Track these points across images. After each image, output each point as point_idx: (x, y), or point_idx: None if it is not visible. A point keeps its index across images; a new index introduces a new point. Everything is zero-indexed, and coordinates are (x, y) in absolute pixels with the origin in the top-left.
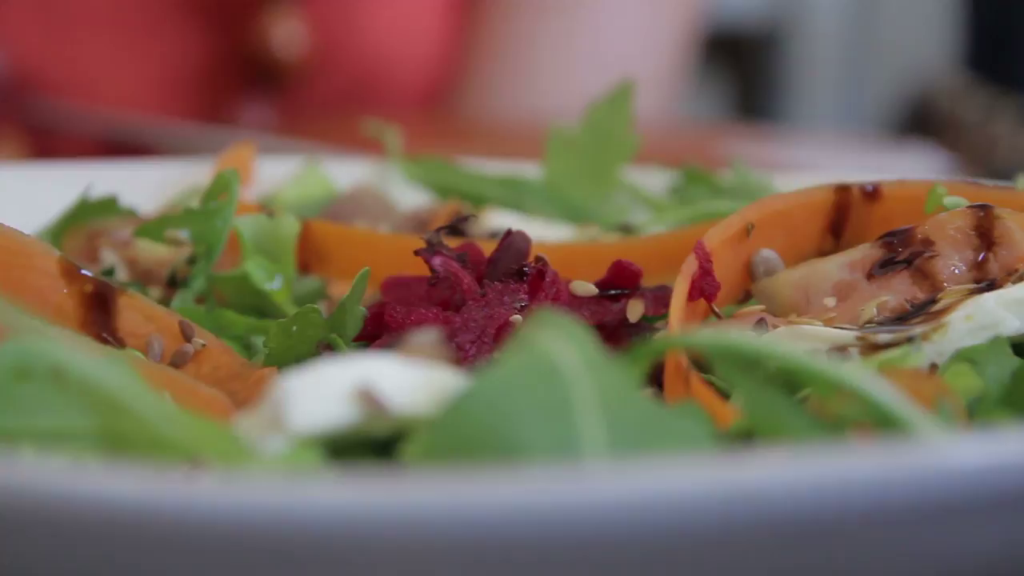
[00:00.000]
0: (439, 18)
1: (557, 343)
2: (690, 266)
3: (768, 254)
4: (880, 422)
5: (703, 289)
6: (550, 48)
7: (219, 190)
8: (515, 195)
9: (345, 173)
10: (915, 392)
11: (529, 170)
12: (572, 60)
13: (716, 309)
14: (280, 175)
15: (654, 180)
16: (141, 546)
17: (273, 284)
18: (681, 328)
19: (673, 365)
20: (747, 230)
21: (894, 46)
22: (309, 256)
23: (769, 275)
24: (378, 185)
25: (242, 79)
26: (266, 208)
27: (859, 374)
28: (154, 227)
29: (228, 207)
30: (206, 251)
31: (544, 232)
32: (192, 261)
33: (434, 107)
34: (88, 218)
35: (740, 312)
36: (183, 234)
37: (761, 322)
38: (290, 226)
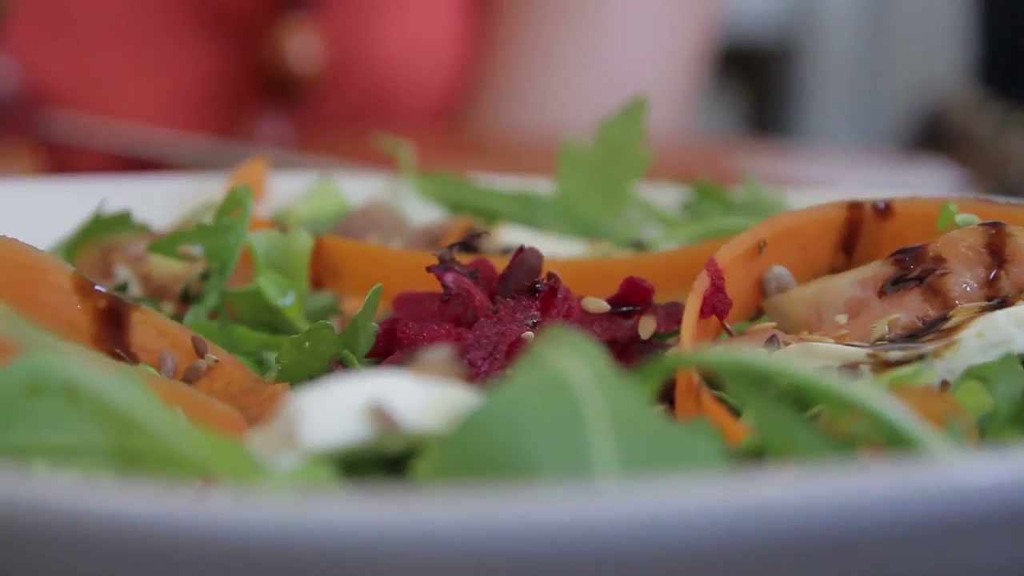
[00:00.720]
0: (453, 33)
1: (569, 360)
2: (702, 283)
3: (780, 271)
4: (891, 440)
5: (715, 306)
6: (564, 63)
7: (232, 206)
8: (527, 211)
9: (358, 188)
10: (926, 410)
11: (541, 186)
12: (586, 75)
13: (728, 326)
14: (293, 190)
15: (666, 196)
16: (153, 563)
17: (286, 300)
18: (693, 345)
19: (685, 382)
20: (759, 247)
21: (907, 60)
22: (322, 272)
23: (781, 292)
24: (391, 201)
25: (257, 93)
26: (279, 224)
27: (870, 392)
28: (167, 242)
29: (241, 223)
30: (219, 267)
31: (556, 248)
32: (205, 277)
33: (447, 122)
34: (102, 233)
35: (752, 329)
36: (196, 250)
37: (773, 339)
38: (303, 242)
